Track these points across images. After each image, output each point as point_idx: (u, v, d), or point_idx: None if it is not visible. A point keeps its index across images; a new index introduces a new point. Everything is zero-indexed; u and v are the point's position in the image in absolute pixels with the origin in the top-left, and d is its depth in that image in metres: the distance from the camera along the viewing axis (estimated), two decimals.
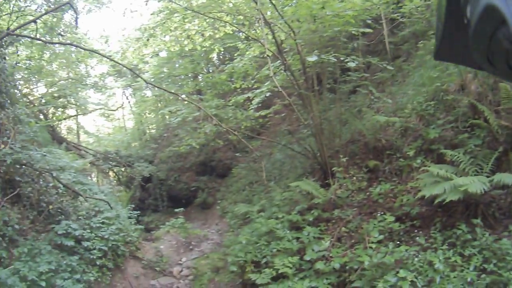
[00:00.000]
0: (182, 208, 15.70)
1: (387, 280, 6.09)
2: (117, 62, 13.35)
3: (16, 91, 13.52)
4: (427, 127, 8.08)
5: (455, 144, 7.43)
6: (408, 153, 7.88)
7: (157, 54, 17.83)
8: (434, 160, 7.62)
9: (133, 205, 14.53)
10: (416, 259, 6.36)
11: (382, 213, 7.64)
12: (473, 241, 6.30)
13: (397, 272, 6.17)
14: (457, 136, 7.50)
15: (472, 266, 5.98)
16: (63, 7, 11.20)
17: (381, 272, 6.47)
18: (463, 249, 6.26)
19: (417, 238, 6.85)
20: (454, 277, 5.89)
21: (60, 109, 21.22)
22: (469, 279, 5.77)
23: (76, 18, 10.54)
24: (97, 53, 15.54)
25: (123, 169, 21.13)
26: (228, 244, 10.71)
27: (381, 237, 7.14)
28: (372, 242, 7.10)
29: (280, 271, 7.36)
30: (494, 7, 0.72)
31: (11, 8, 11.27)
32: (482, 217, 6.61)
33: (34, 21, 8.78)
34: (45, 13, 10.65)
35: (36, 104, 18.24)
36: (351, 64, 7.99)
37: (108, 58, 15.97)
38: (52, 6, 11.87)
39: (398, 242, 7.00)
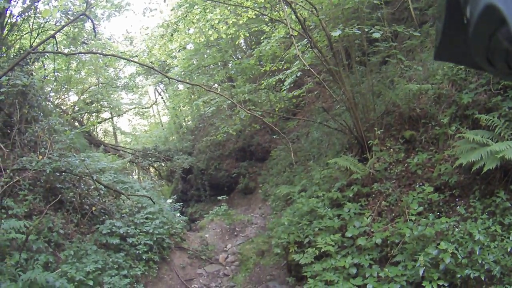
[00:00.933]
0: (224, 196, 15.91)
1: (428, 252, 6.06)
2: (136, 62, 13.46)
3: (48, 103, 13.95)
4: (460, 92, 7.83)
5: (490, 108, 7.18)
6: (442, 120, 7.63)
7: (184, 48, 17.91)
8: (469, 126, 7.39)
9: (175, 198, 14.73)
10: (456, 229, 6.27)
11: (421, 184, 7.52)
12: None
13: (438, 244, 6.10)
14: (490, 99, 7.22)
15: None
16: (81, 17, 11.35)
17: (422, 245, 6.43)
18: (502, 217, 6.13)
19: (457, 208, 6.74)
20: (494, 247, 5.79)
21: (94, 114, 21.78)
22: (509, 249, 5.67)
23: (94, 26, 10.66)
24: (116, 56, 15.82)
25: (163, 163, 21.49)
26: (271, 227, 10.81)
27: (421, 208, 7.04)
28: (412, 215, 7.03)
29: (322, 250, 7.37)
30: (494, 7, 0.72)
31: (30, 27, 11.52)
32: None
33: (53, 36, 8.94)
34: (62, 27, 10.87)
35: (69, 113, 18.82)
36: (377, 35, 7.78)
37: (126, 59, 16.17)
38: (71, 18, 12.08)
39: (438, 213, 6.92)
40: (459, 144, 6.93)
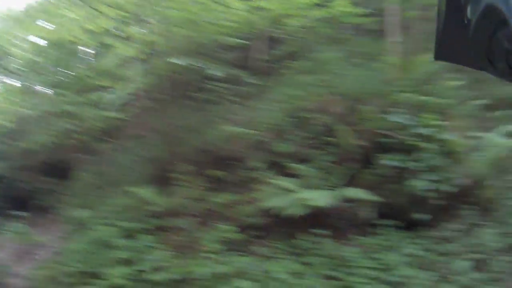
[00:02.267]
0: (22, 212, 14.51)
1: None
2: None
3: None
4: (280, 142, 8.16)
5: (306, 159, 7.64)
6: (255, 165, 7.93)
7: (33, 40, 16.73)
8: (282, 174, 7.68)
9: None
10: (258, 268, 6.39)
11: (222, 223, 7.53)
12: (316, 250, 6.60)
13: (237, 282, 6.14)
14: (309, 152, 7.72)
15: (316, 274, 6.27)
16: None
17: (221, 282, 6.39)
18: (303, 257, 6.50)
19: (259, 248, 6.91)
20: (297, 285, 6.06)
21: None
22: (310, 285, 6.02)
23: None
24: None
25: None
26: (64, 252, 9.94)
27: (221, 247, 7.07)
28: (212, 252, 6.99)
29: (113, 282, 6.96)
30: (494, 7, 0.72)
31: None
32: (327, 228, 6.89)
33: None
34: None
35: None
36: (215, 73, 7.86)
37: None
38: None
39: (239, 252, 6.95)
40: (266, 188, 7.26)
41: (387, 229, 7.05)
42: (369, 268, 6.41)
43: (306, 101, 8.32)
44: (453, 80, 8.53)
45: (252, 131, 8.48)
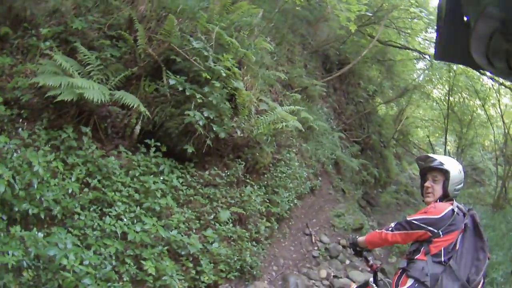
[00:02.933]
0: None
1: None
2: None
3: None
4: (77, 17, 7.24)
5: (94, 46, 7.09)
6: (43, 33, 6.77)
7: None
8: (66, 52, 6.93)
9: None
10: (15, 155, 5.48)
11: None
12: (79, 150, 6.17)
13: None
14: (100, 39, 7.15)
15: (75, 176, 5.86)
16: None
17: None
18: (66, 155, 6.04)
19: (20, 130, 6.02)
20: (55, 185, 5.58)
21: None
22: (70, 190, 5.60)
23: None
24: None
25: None
26: None
27: None
28: None
29: None
30: (494, 7, 0.73)
31: None
32: (93, 128, 6.58)
33: None
34: None
35: None
36: None
37: None
38: None
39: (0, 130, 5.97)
40: (45, 63, 6.41)
41: (154, 151, 7.07)
42: (129, 186, 6.40)
43: None
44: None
45: None
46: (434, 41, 1.05)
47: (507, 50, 0.74)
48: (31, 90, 6.43)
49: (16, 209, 5.09)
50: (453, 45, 0.96)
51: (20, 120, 6.25)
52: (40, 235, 4.95)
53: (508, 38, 0.71)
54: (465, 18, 0.84)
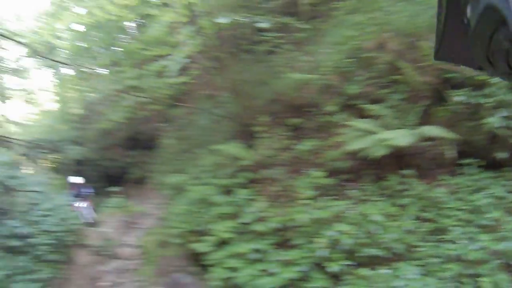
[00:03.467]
0: (118, 187, 15.48)
1: (325, 235, 6.30)
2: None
3: None
4: (346, 83, 8.17)
5: (376, 99, 7.63)
6: (330, 109, 8.00)
7: (73, 29, 17.02)
8: (356, 116, 7.75)
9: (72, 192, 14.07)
10: (352, 212, 6.59)
11: (311, 169, 7.75)
12: (405, 192, 6.69)
13: (335, 226, 6.35)
14: (378, 91, 7.68)
15: (408, 215, 6.38)
16: None
17: (319, 227, 6.64)
18: (396, 199, 6.63)
19: (350, 191, 7.10)
20: (393, 227, 6.21)
21: None
22: (407, 228, 6.16)
23: None
24: None
25: (54, 155, 20.34)
26: (167, 216, 10.66)
27: (314, 193, 7.28)
28: (305, 199, 7.23)
29: (221, 237, 7.44)
30: (494, 7, 0.72)
31: None
32: (411, 168, 6.97)
33: None
34: None
35: None
36: (264, 25, 7.87)
37: None
38: None
39: (332, 197, 7.17)
40: (347, 131, 7.32)
41: (471, 168, 6.98)
42: (459, 210, 6.45)
43: (362, 41, 8.18)
44: None
45: (317, 76, 8.52)
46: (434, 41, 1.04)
47: (507, 50, 0.74)
48: (346, 157, 7.49)
49: (362, 255, 6.09)
50: (453, 46, 0.97)
51: (348, 184, 7.38)
52: (386, 272, 5.72)
53: (508, 38, 0.71)
54: (465, 18, 0.84)
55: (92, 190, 15.11)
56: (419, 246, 6.09)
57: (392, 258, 6.09)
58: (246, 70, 10.10)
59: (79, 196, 14.06)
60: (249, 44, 10.21)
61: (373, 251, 6.00)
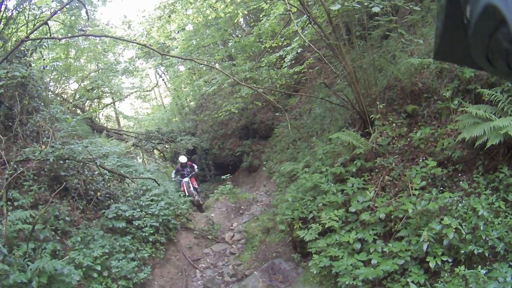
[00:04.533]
0: (229, 175, 16.05)
1: (432, 228, 6.07)
2: (131, 41, 13.50)
3: (48, 93, 13.96)
4: (462, 66, 7.69)
5: (492, 83, 7.11)
6: (445, 95, 7.56)
7: (183, 29, 17.80)
8: (471, 101, 7.32)
9: (181, 179, 14.77)
10: (460, 205, 6.29)
11: (424, 158, 7.50)
12: None
13: (442, 220, 6.10)
14: (493, 75, 7.11)
15: None
16: (76, 4, 11.27)
17: (425, 220, 6.46)
18: (506, 193, 6.15)
19: (460, 183, 6.75)
20: (498, 224, 5.83)
21: (95, 100, 21.78)
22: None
23: (87, 11, 10.48)
24: (110, 37, 15.85)
25: (166, 145, 21.49)
26: (276, 204, 10.91)
27: (424, 183, 7.06)
28: (415, 189, 7.04)
29: (327, 225, 7.44)
30: (494, 7, 0.71)
31: (26, 18, 11.38)
32: None
33: (46, 23, 8.83)
34: (54, 13, 10.66)
35: (71, 101, 18.77)
36: (376, 9, 7.69)
37: (119, 39, 16.25)
38: (66, 7, 11.99)
39: (441, 188, 6.92)
40: (461, 118, 6.88)
41: None
42: None
43: None
44: None
45: (431, 60, 8.12)
46: (434, 40, 1.02)
47: (507, 50, 0.73)
48: (458, 146, 7.10)
49: (462, 251, 5.74)
50: (453, 45, 0.95)
51: (458, 175, 6.91)
52: (483, 271, 5.32)
53: (508, 38, 0.71)
54: (464, 18, 0.83)
55: (197, 169, 15.70)
56: None
57: (491, 258, 5.72)
58: (360, 57, 9.87)
59: (186, 174, 14.71)
60: (362, 30, 9.98)
61: (473, 248, 5.67)
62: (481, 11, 0.74)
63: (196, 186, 15.09)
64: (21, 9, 11.01)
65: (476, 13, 0.76)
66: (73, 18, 14.83)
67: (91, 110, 20.45)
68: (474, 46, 0.82)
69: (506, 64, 0.76)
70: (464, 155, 6.99)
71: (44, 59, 15.55)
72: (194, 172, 15.05)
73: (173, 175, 15.42)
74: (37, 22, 11.11)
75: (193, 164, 15.52)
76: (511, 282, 5.03)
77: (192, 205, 13.58)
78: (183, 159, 15.17)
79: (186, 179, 14.51)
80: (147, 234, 9.32)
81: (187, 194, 13.55)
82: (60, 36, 10.00)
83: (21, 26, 11.67)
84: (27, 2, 10.80)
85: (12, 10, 10.72)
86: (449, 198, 6.39)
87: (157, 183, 10.66)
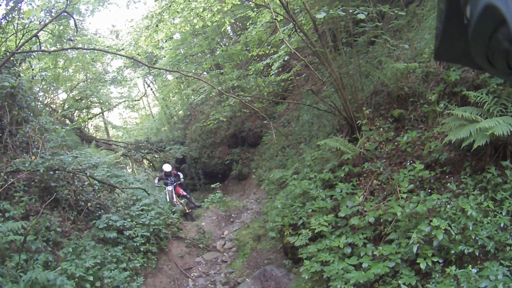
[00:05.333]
0: (218, 183, 16.08)
1: (421, 230, 6.11)
2: (117, 54, 13.57)
3: (37, 103, 13.94)
4: (447, 70, 7.82)
5: (478, 85, 7.19)
6: (430, 98, 7.67)
7: (171, 38, 17.87)
8: (458, 103, 7.41)
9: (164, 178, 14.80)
10: (448, 206, 6.34)
11: (411, 162, 7.57)
12: (504, 185, 6.22)
13: (431, 221, 6.15)
14: (478, 76, 7.24)
15: (505, 210, 5.95)
16: (64, 14, 11.31)
17: (414, 222, 6.50)
18: (494, 193, 6.21)
19: (448, 184, 6.81)
20: (487, 223, 5.88)
21: (84, 110, 21.75)
22: (502, 224, 5.77)
23: (75, 22, 10.54)
24: (99, 50, 15.94)
25: (155, 155, 21.51)
26: (266, 211, 10.89)
27: (412, 186, 7.11)
28: (404, 192, 7.09)
29: (316, 231, 7.44)
30: (494, 7, 0.72)
31: (15, 28, 11.35)
32: (511, 159, 6.49)
33: (36, 35, 8.87)
34: (44, 26, 10.72)
35: (59, 111, 18.76)
36: (362, 16, 7.81)
37: (106, 51, 16.35)
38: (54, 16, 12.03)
39: (430, 190, 6.99)
40: (448, 121, 6.95)
41: None
42: None
43: None
44: None
45: (417, 64, 8.27)
46: (434, 40, 1.03)
47: (507, 50, 0.74)
48: (445, 148, 7.20)
49: (453, 252, 5.78)
50: (453, 45, 0.96)
51: (446, 177, 6.97)
52: (474, 271, 5.36)
53: (508, 38, 0.71)
54: (464, 18, 0.83)
55: (183, 178, 15.64)
56: (511, 246, 5.67)
57: (481, 257, 5.76)
58: (347, 63, 9.99)
59: (169, 183, 14.73)
60: (348, 36, 10.12)
61: (464, 248, 5.73)
62: (481, 11, 0.75)
63: (185, 194, 15.06)
64: (10, 19, 10.99)
65: (476, 13, 0.77)
66: (61, 27, 14.85)
67: (80, 120, 20.39)
68: (474, 46, 0.84)
69: (506, 64, 0.77)
70: (451, 157, 7.07)
71: (33, 69, 15.53)
72: (179, 182, 15.02)
73: (155, 181, 15.33)
74: (26, 32, 11.11)
75: (178, 173, 15.43)
76: (502, 280, 5.06)
77: (184, 218, 13.56)
78: (167, 167, 15.07)
79: (170, 187, 14.46)
80: (138, 244, 9.29)
81: (169, 203, 13.55)
82: (50, 48, 10.02)
83: (10, 36, 11.65)
84: (16, 11, 10.80)
85: (1, 20, 10.71)
86: (437, 200, 6.45)
87: (147, 193, 10.68)
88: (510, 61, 0.76)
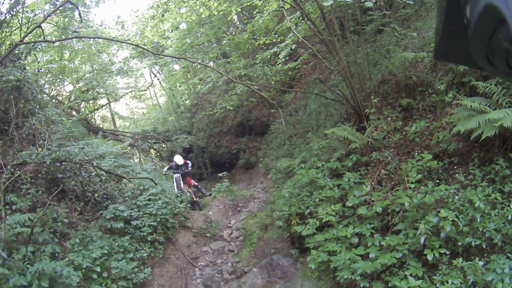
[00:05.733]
0: (225, 172, 16.12)
1: (428, 220, 6.09)
2: (124, 42, 13.51)
3: (43, 95, 13.95)
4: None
5: (486, 75, 7.08)
6: (439, 88, 7.60)
7: (177, 28, 17.78)
8: (466, 94, 7.34)
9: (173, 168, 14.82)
10: (456, 197, 6.32)
11: (419, 152, 7.53)
12: None
13: (438, 212, 6.13)
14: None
15: None
16: (69, 5, 11.27)
17: (422, 212, 6.48)
18: (502, 185, 6.18)
19: (456, 175, 6.78)
20: (495, 215, 5.86)
21: (90, 101, 21.76)
22: (510, 217, 5.74)
23: (80, 13, 10.48)
24: (103, 38, 15.87)
25: (163, 144, 21.53)
26: (273, 200, 10.93)
27: (420, 176, 7.08)
28: (412, 183, 7.06)
29: (324, 220, 7.45)
30: (494, 7, 0.71)
31: (20, 21, 11.35)
32: None
33: (39, 26, 8.81)
34: (47, 16, 10.66)
35: (66, 103, 18.75)
36: (369, 4, 7.71)
37: (111, 40, 16.27)
38: (60, 9, 11.99)
39: (438, 181, 6.95)
40: (456, 111, 6.89)
41: None
42: None
43: None
44: None
45: (425, 53, 8.17)
46: (434, 40, 1.02)
47: (507, 50, 0.73)
48: (454, 138, 7.13)
49: (460, 243, 5.77)
50: (453, 45, 0.95)
51: (454, 168, 6.93)
52: (481, 263, 5.37)
53: (508, 38, 0.71)
54: (464, 18, 0.83)
55: (191, 165, 15.67)
56: None
57: (488, 250, 5.76)
58: (354, 52, 9.90)
59: (179, 172, 14.76)
60: (356, 25, 10.01)
61: (471, 240, 5.72)
62: (481, 11, 0.75)
63: (196, 184, 15.11)
64: (14, 13, 10.98)
65: (476, 13, 0.76)
66: (66, 19, 14.81)
67: (86, 111, 20.41)
68: (474, 46, 0.83)
69: (506, 64, 0.77)
70: (459, 148, 7.02)
71: (38, 62, 15.54)
72: (187, 170, 15.04)
73: (164, 169, 15.39)
74: (31, 25, 11.08)
75: (187, 162, 15.44)
76: (509, 273, 5.06)
77: (191, 208, 13.59)
78: (179, 160, 15.03)
79: (177, 175, 14.49)
80: (145, 234, 9.32)
81: (176, 190, 13.56)
82: (54, 39, 9.99)
83: (15, 30, 11.65)
84: (20, 5, 10.77)
85: (5, 14, 10.70)
86: (445, 190, 6.42)
87: (154, 182, 10.67)
88: (510, 61, 0.76)
